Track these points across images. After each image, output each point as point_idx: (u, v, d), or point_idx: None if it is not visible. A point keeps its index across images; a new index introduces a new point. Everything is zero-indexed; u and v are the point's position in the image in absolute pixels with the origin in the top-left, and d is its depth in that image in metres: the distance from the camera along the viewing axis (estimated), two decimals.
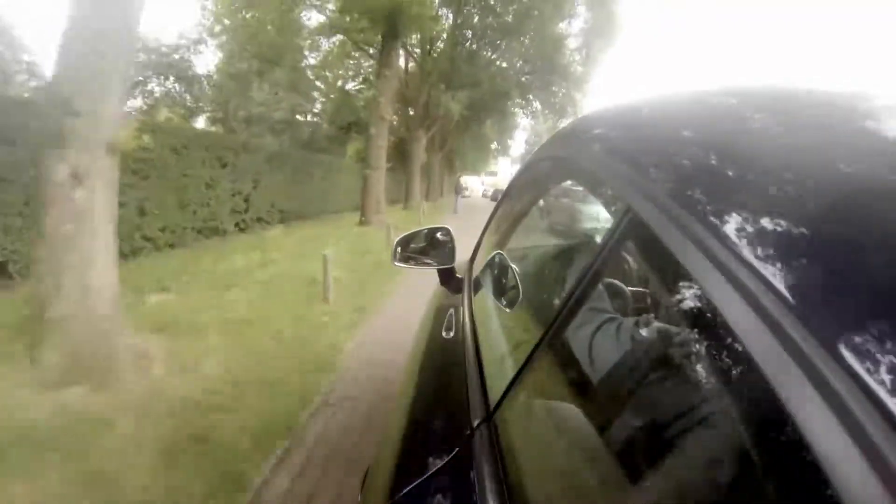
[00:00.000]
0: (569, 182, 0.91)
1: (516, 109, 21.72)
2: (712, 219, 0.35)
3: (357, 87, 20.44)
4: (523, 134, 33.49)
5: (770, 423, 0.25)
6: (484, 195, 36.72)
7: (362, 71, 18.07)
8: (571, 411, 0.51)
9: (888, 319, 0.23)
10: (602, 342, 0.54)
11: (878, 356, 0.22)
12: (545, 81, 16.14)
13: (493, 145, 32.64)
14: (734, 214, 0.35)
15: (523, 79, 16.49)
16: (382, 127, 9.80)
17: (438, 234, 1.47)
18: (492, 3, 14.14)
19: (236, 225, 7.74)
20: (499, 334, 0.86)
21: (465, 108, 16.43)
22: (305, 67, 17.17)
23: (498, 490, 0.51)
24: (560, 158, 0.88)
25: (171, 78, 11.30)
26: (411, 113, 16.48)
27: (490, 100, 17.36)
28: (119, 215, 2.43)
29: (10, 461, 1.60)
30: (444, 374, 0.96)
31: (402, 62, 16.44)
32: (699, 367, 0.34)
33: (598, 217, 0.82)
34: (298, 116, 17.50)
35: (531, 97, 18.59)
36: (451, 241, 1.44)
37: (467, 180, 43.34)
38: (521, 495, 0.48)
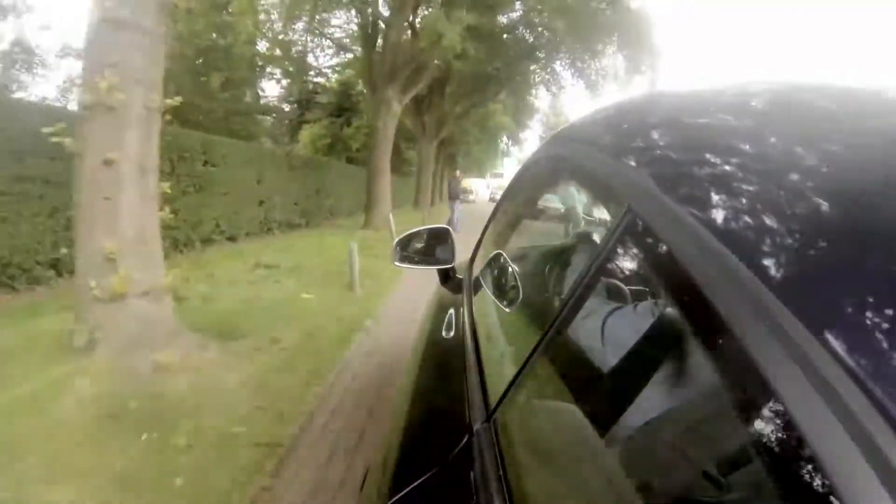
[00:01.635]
0: (569, 181, 0.91)
1: (534, 91, 15.63)
2: (712, 218, 0.35)
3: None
4: (536, 131, 26.86)
5: (770, 422, 0.25)
6: (491, 199, 31.81)
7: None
8: (571, 411, 0.50)
9: (889, 319, 0.23)
10: (602, 342, 0.53)
11: (879, 356, 0.22)
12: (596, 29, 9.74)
13: (502, 142, 25.80)
14: (734, 214, 0.35)
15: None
16: None
17: (438, 234, 1.45)
18: None
19: None
20: (499, 334, 0.86)
21: (472, 72, 10.47)
22: None
23: (498, 490, 0.50)
24: (560, 158, 0.87)
25: None
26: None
27: (511, 54, 11.21)
28: None
29: None
30: (444, 374, 0.95)
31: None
32: (700, 368, 0.34)
33: (598, 217, 0.80)
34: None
35: (559, 65, 12.50)
36: (451, 240, 1.42)
37: (471, 182, 37.10)
38: (522, 495, 0.48)
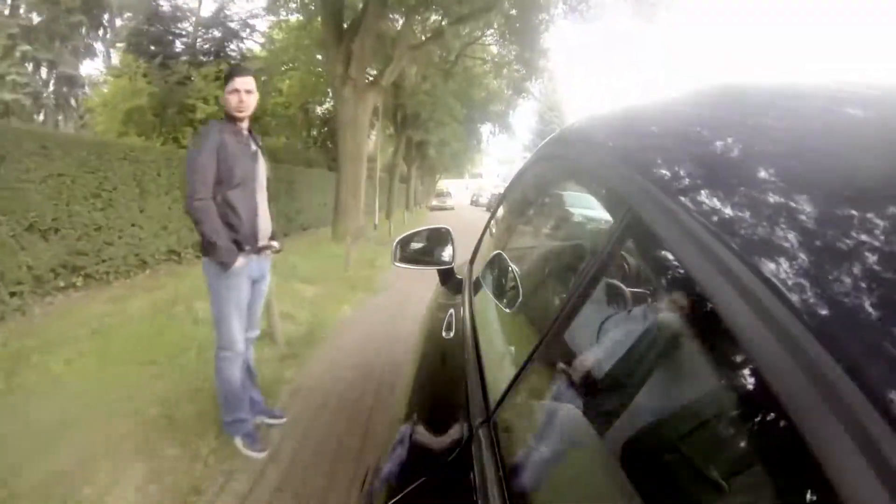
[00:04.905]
0: (569, 182, 0.91)
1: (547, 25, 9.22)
2: (712, 219, 0.35)
3: None
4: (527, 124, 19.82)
5: (769, 423, 0.25)
6: (473, 202, 27.13)
7: None
8: (571, 411, 0.51)
9: (889, 319, 0.23)
10: (602, 342, 0.54)
11: (879, 355, 0.22)
12: None
13: (486, 134, 17.92)
14: (734, 214, 0.34)
15: None
16: None
17: (438, 235, 1.45)
18: None
19: None
20: (499, 334, 0.86)
21: None
22: None
23: (498, 490, 0.50)
24: (560, 158, 0.87)
25: None
26: None
27: None
28: None
29: None
30: (444, 374, 0.96)
31: None
32: (699, 368, 0.34)
33: (598, 218, 0.81)
34: None
35: None
36: (452, 241, 1.42)
37: (447, 185, 30.27)
38: (522, 495, 0.48)
